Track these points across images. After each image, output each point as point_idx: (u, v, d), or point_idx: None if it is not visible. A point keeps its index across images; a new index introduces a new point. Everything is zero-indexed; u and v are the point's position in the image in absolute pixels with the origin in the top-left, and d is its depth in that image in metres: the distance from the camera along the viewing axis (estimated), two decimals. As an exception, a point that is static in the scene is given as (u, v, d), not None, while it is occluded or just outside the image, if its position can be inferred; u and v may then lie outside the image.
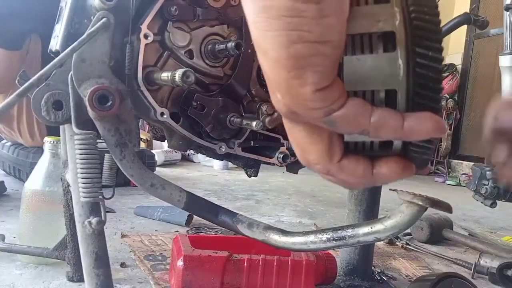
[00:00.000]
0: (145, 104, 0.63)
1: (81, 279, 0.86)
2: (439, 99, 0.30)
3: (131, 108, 0.59)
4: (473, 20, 1.14)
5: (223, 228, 0.82)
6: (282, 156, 0.74)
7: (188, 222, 1.37)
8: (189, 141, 0.68)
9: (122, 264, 0.99)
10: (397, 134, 0.30)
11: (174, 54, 0.65)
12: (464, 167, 4.01)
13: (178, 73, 0.56)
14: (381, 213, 0.97)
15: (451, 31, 1.24)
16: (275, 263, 0.86)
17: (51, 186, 0.95)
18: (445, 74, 4.04)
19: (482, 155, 1.55)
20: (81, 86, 0.57)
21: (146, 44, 0.62)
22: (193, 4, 0.66)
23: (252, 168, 0.75)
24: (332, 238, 0.55)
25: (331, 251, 0.99)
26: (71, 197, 0.76)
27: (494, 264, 1.12)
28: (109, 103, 0.56)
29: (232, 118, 0.67)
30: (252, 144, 0.72)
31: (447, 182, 3.55)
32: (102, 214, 0.60)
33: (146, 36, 0.61)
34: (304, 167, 0.81)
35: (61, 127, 0.73)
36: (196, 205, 0.66)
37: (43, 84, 0.57)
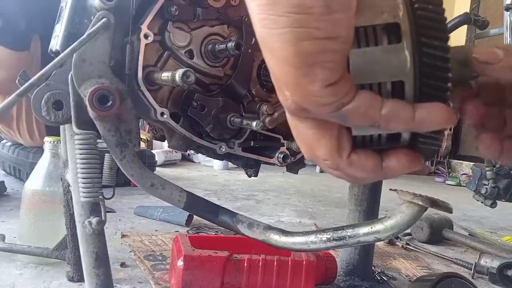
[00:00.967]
0: (145, 104, 0.63)
1: (81, 279, 0.86)
2: (447, 88, 0.30)
3: (131, 108, 0.59)
4: (473, 20, 1.14)
5: (223, 228, 0.82)
6: (282, 156, 0.74)
7: (188, 222, 1.37)
8: (189, 141, 0.68)
9: (122, 264, 0.99)
10: (408, 125, 0.29)
11: (174, 54, 0.65)
12: (464, 167, 4.01)
13: (178, 73, 0.56)
14: (381, 213, 0.97)
15: (451, 31, 1.24)
16: (275, 263, 0.86)
17: (51, 186, 0.95)
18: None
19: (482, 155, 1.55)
20: (81, 86, 0.57)
21: (146, 44, 0.62)
22: (193, 4, 0.66)
23: (252, 168, 0.75)
24: (332, 238, 0.55)
25: (331, 251, 0.99)
26: (71, 197, 0.76)
27: (494, 264, 1.12)
28: (109, 103, 0.56)
29: (232, 118, 0.67)
30: (252, 144, 0.72)
31: (447, 182, 3.55)
32: (102, 214, 0.60)
33: (146, 36, 0.61)
34: (304, 167, 0.81)
35: (61, 127, 0.73)
36: (196, 205, 0.66)
37: (44, 84, 0.57)
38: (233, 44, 0.63)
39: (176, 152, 2.84)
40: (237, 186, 2.25)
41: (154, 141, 2.87)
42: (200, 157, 3.00)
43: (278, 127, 0.73)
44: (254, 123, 0.64)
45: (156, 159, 2.25)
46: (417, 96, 0.30)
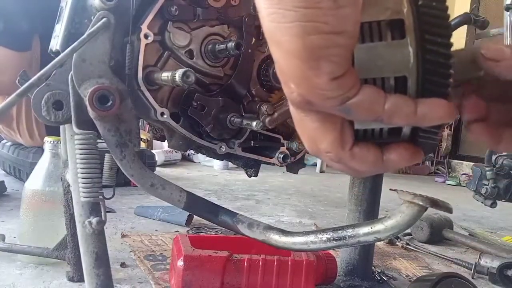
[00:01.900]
0: (145, 104, 0.63)
1: (81, 279, 0.86)
2: (448, 84, 0.30)
3: (131, 108, 0.59)
4: (473, 20, 1.14)
5: (223, 228, 0.82)
6: (282, 156, 0.74)
7: (188, 222, 1.37)
8: (189, 141, 0.68)
9: (122, 264, 0.99)
10: (411, 120, 0.30)
11: (174, 54, 0.65)
12: (464, 167, 4.01)
13: (178, 73, 0.56)
14: (381, 213, 0.97)
15: (451, 31, 1.23)
16: (275, 263, 0.86)
17: (51, 186, 0.95)
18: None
19: (482, 155, 1.55)
20: (81, 86, 0.57)
21: (146, 44, 0.62)
22: (194, 4, 0.66)
23: (252, 168, 0.75)
24: (332, 238, 0.55)
25: (331, 251, 0.99)
26: (71, 197, 0.76)
27: (494, 264, 1.12)
28: (109, 103, 0.56)
29: (232, 118, 0.67)
30: (252, 144, 0.72)
31: (447, 182, 3.55)
32: (102, 214, 0.60)
33: (146, 36, 0.61)
34: (304, 167, 0.81)
35: (61, 127, 0.73)
36: (196, 205, 0.66)
37: (44, 84, 0.57)
38: (233, 44, 0.63)
39: (176, 152, 2.84)
40: (237, 186, 2.25)
41: (154, 141, 2.87)
42: (200, 157, 3.00)
43: (278, 127, 0.73)
44: (254, 123, 0.64)
45: (156, 159, 2.25)
46: (419, 91, 0.30)
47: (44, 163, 0.96)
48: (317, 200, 2.09)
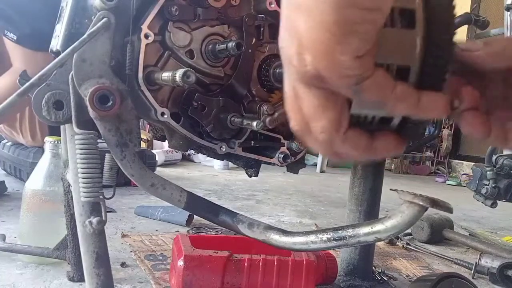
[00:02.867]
0: (146, 104, 0.63)
1: (81, 279, 0.86)
2: (445, 79, 0.31)
3: (132, 108, 0.59)
4: (473, 20, 1.14)
5: (223, 228, 0.82)
6: (282, 156, 0.74)
7: (189, 222, 1.37)
8: (189, 141, 0.68)
9: (123, 264, 0.99)
10: (412, 110, 0.30)
11: (175, 54, 0.65)
12: (465, 167, 4.00)
13: (179, 73, 0.56)
14: (381, 213, 0.97)
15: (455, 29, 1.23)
16: (275, 263, 0.86)
17: (52, 186, 0.95)
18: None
19: (483, 155, 1.55)
20: (81, 86, 0.57)
21: (146, 44, 0.62)
22: (194, 4, 0.66)
23: (252, 168, 0.75)
24: (332, 238, 0.55)
25: (331, 251, 0.99)
26: (71, 197, 0.77)
27: (495, 264, 1.12)
28: (109, 103, 0.56)
29: (232, 118, 0.67)
30: (252, 144, 0.72)
31: (448, 182, 3.54)
32: (103, 214, 0.60)
33: (146, 36, 0.62)
34: (305, 167, 0.81)
35: (61, 127, 0.73)
36: (196, 205, 0.66)
37: (44, 84, 0.57)
38: (233, 44, 0.63)
39: (177, 152, 2.84)
40: (238, 186, 2.25)
41: (155, 141, 2.87)
42: (200, 157, 3.00)
43: (278, 127, 0.73)
44: (254, 123, 0.64)
45: (157, 159, 2.25)
46: (418, 82, 0.31)
47: (44, 163, 0.96)
48: (318, 200, 2.09)
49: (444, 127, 3.93)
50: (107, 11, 0.57)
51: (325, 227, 1.18)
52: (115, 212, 1.46)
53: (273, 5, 0.70)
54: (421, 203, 0.46)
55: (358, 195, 0.98)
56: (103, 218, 0.60)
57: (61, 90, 0.58)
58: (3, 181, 1.59)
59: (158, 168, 2.40)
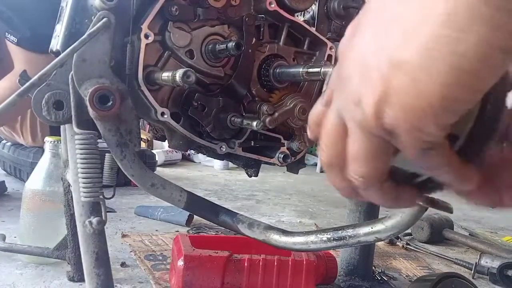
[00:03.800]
0: (146, 104, 0.63)
1: (81, 279, 0.86)
2: (484, 157, 0.31)
3: (132, 108, 0.59)
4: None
5: (223, 228, 0.82)
6: (282, 156, 0.74)
7: (189, 222, 1.37)
8: (189, 141, 0.68)
9: (123, 264, 0.99)
10: (452, 180, 0.30)
11: (175, 54, 0.65)
12: (465, 167, 4.00)
13: (179, 73, 0.56)
14: (381, 213, 0.97)
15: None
16: (275, 263, 0.86)
17: (52, 186, 0.95)
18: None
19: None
20: (81, 86, 0.57)
21: (146, 44, 0.62)
22: (194, 4, 0.66)
23: (252, 168, 0.75)
24: (332, 238, 0.55)
25: (331, 251, 0.99)
26: (71, 197, 0.77)
27: (495, 264, 1.12)
28: (109, 103, 0.56)
29: (232, 118, 0.67)
30: (252, 144, 0.72)
31: (448, 182, 3.54)
32: (103, 214, 0.60)
33: (146, 36, 0.62)
34: (305, 166, 0.81)
35: (61, 127, 0.73)
36: (196, 205, 0.66)
37: (44, 84, 0.57)
38: (233, 44, 0.63)
39: (177, 152, 2.83)
40: (238, 186, 2.25)
41: (155, 141, 2.87)
42: (200, 157, 2.99)
43: (278, 127, 0.73)
44: (254, 123, 0.64)
45: (157, 159, 2.25)
46: (460, 152, 0.30)
47: (44, 163, 0.96)
48: (318, 200, 2.09)
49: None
50: (107, 11, 0.57)
51: (325, 227, 1.18)
52: (115, 212, 1.46)
53: (273, 5, 0.70)
54: (421, 203, 0.46)
55: (358, 195, 0.98)
56: (103, 218, 0.60)
57: (61, 90, 0.58)
58: (3, 181, 1.59)
59: (158, 168, 2.40)
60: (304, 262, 0.88)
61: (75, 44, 0.55)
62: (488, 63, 0.22)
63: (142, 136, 2.60)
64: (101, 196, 0.59)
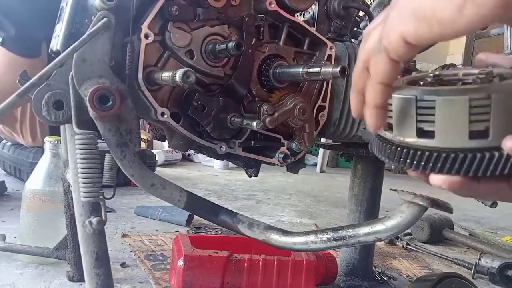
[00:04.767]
0: (146, 104, 0.63)
1: (81, 279, 0.86)
2: None
3: (132, 108, 0.59)
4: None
5: (223, 228, 0.82)
6: (282, 156, 0.74)
7: (189, 222, 1.37)
8: (189, 141, 0.68)
9: (123, 264, 0.99)
10: None
11: (175, 54, 0.65)
12: (465, 167, 3.99)
13: (179, 73, 0.56)
14: (381, 213, 0.97)
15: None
16: (275, 263, 0.86)
17: (52, 186, 0.95)
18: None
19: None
20: (81, 86, 0.57)
21: (146, 44, 0.62)
22: (194, 4, 0.66)
23: (252, 168, 0.75)
24: (332, 238, 0.55)
25: (331, 251, 0.99)
26: (71, 197, 0.77)
27: (495, 264, 1.12)
28: (109, 103, 0.56)
29: (232, 118, 0.67)
30: (252, 144, 0.72)
31: (448, 182, 3.53)
32: (103, 214, 0.60)
33: (146, 36, 0.61)
34: (305, 166, 0.81)
35: (61, 127, 0.73)
36: (196, 205, 0.66)
37: (44, 84, 0.57)
38: (233, 44, 0.63)
39: (177, 152, 2.83)
40: (238, 186, 2.25)
41: (155, 141, 2.87)
42: (200, 157, 3.00)
43: (278, 127, 0.73)
44: (254, 123, 0.64)
45: (157, 159, 2.25)
46: None
47: (44, 163, 0.96)
48: (317, 200, 2.09)
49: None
50: (107, 11, 0.57)
51: (325, 227, 1.18)
52: (115, 212, 1.46)
53: (273, 5, 0.70)
54: (421, 203, 0.46)
55: (358, 195, 0.98)
56: (103, 218, 0.60)
57: (61, 90, 0.58)
58: (3, 181, 1.59)
59: (158, 168, 2.40)
60: (304, 262, 0.88)
61: (75, 44, 0.55)
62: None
63: (142, 136, 2.60)
64: (101, 196, 0.59)
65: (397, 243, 1.38)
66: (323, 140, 1.55)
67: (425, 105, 0.36)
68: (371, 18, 0.94)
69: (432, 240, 1.43)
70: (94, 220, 0.59)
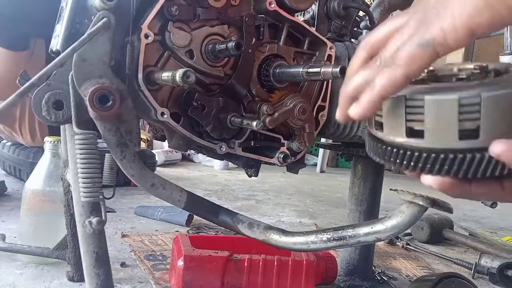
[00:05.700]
0: (146, 104, 0.63)
1: (81, 279, 0.86)
2: None
3: (132, 108, 0.59)
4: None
5: (223, 228, 0.82)
6: (282, 156, 0.74)
7: (189, 222, 1.37)
8: (189, 141, 0.68)
9: (123, 264, 0.99)
10: None
11: (175, 54, 0.65)
12: (465, 167, 3.99)
13: (179, 73, 0.56)
14: (381, 213, 0.97)
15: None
16: (275, 263, 0.86)
17: (52, 186, 0.95)
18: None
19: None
20: (81, 86, 0.57)
21: (146, 44, 0.62)
22: (194, 4, 0.66)
23: (252, 168, 0.75)
24: (332, 238, 0.55)
25: (331, 251, 0.99)
26: (71, 197, 0.76)
27: (495, 264, 1.12)
28: (109, 103, 0.56)
29: (232, 118, 0.67)
30: (252, 144, 0.72)
31: (448, 182, 3.53)
32: (103, 214, 0.60)
33: (146, 36, 0.61)
34: (305, 166, 0.81)
35: (61, 127, 0.73)
36: (196, 205, 0.66)
37: (44, 84, 0.57)
38: (233, 44, 0.63)
39: (177, 152, 2.83)
40: (238, 186, 2.25)
41: (155, 141, 2.87)
42: (200, 157, 3.00)
43: (278, 127, 0.73)
44: (254, 123, 0.64)
45: (157, 159, 2.25)
46: None
47: (44, 163, 0.96)
48: (317, 200, 2.09)
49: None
50: (107, 11, 0.57)
51: (325, 227, 1.18)
52: (115, 212, 1.46)
53: (273, 5, 0.70)
54: (421, 203, 0.46)
55: (358, 195, 0.98)
56: (103, 218, 0.60)
57: (61, 90, 0.58)
58: (3, 181, 1.59)
59: (158, 168, 2.40)
60: (304, 262, 0.88)
61: (75, 44, 0.55)
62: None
63: (142, 136, 2.60)
64: (101, 196, 0.59)
65: (397, 243, 1.38)
66: (323, 140, 1.55)
67: (415, 104, 0.36)
68: (371, 18, 0.94)
69: (432, 240, 1.43)
70: (94, 220, 0.59)
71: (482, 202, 1.48)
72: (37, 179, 0.96)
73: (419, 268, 1.19)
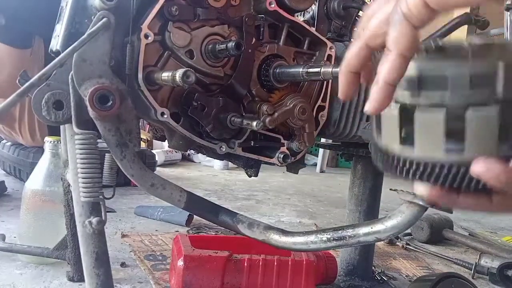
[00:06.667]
0: (146, 104, 0.63)
1: (81, 279, 0.86)
2: None
3: (132, 108, 0.59)
4: (473, 21, 1.14)
5: (223, 228, 0.82)
6: (282, 156, 0.74)
7: (189, 222, 1.37)
8: (189, 141, 0.68)
9: (123, 264, 0.99)
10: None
11: (175, 54, 0.65)
12: (465, 167, 3.99)
13: (179, 73, 0.56)
14: (381, 213, 0.97)
15: (451, 32, 1.24)
16: (275, 263, 0.86)
17: (52, 186, 0.95)
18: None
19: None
20: (81, 86, 0.57)
21: (146, 44, 0.62)
22: (194, 4, 0.66)
23: (252, 168, 0.75)
24: (332, 238, 0.55)
25: (331, 251, 0.99)
26: (71, 197, 0.76)
27: (495, 264, 1.12)
28: (109, 103, 0.56)
29: (232, 118, 0.67)
30: (252, 144, 0.72)
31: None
32: (103, 214, 0.60)
33: (146, 36, 0.61)
34: (304, 166, 0.81)
35: (61, 127, 0.73)
36: (196, 205, 0.66)
37: (44, 84, 0.57)
38: (233, 44, 0.63)
39: (176, 152, 2.83)
40: (237, 186, 2.25)
41: (154, 141, 2.87)
42: (200, 157, 3.00)
43: (278, 127, 0.73)
44: (254, 123, 0.64)
45: (156, 159, 2.25)
46: None
47: (44, 163, 0.96)
48: (317, 200, 2.09)
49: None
50: (107, 11, 0.57)
51: (325, 227, 1.18)
52: (115, 212, 1.46)
53: (273, 5, 0.70)
54: (421, 203, 0.46)
55: (358, 195, 0.98)
56: (103, 218, 0.60)
57: (61, 90, 0.58)
58: (3, 181, 1.59)
59: (158, 168, 2.40)
60: (304, 262, 0.88)
61: (75, 44, 0.55)
62: None
63: (142, 136, 2.60)
64: (101, 196, 0.59)
65: (397, 243, 1.38)
66: (323, 140, 1.55)
67: (407, 113, 0.37)
68: (371, 18, 0.94)
69: (432, 240, 1.43)
70: (94, 220, 0.59)
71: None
72: (37, 179, 0.96)
73: (419, 268, 1.19)
